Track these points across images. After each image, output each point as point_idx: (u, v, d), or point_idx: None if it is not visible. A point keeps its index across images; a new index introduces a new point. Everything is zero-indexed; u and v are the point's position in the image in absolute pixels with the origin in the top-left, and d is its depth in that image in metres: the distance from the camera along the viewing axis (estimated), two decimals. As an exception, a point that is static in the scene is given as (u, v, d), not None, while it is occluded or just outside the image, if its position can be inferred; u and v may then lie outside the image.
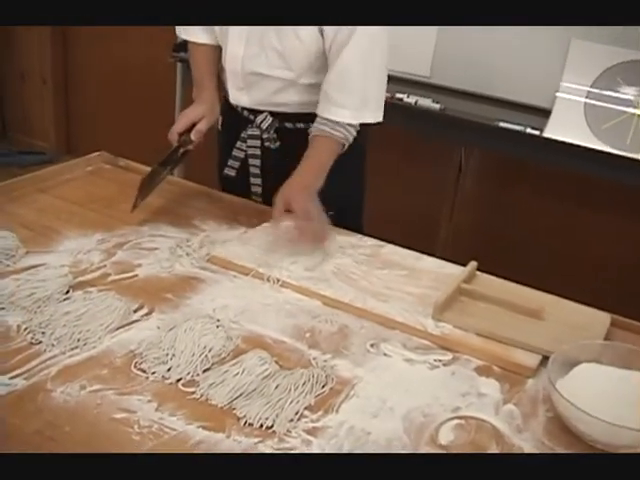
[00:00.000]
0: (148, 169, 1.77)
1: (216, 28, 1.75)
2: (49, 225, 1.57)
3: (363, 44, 1.61)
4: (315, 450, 1.00)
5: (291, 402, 1.08)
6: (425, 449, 1.03)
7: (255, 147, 1.83)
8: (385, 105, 1.68)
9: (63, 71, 4.20)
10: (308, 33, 1.62)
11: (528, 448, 1.05)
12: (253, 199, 1.87)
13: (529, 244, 2.75)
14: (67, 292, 1.31)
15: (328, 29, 1.60)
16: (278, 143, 1.82)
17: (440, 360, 1.24)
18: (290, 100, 1.76)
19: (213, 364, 1.15)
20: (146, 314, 1.28)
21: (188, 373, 1.12)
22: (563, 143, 2.22)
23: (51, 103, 4.18)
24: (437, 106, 2.48)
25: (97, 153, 1.98)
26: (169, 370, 1.12)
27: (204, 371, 1.14)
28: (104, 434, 0.99)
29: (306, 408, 1.08)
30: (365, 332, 1.30)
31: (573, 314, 1.39)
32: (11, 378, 1.07)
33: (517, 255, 2.71)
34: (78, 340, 1.17)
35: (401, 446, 1.03)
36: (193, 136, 1.70)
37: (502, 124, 2.33)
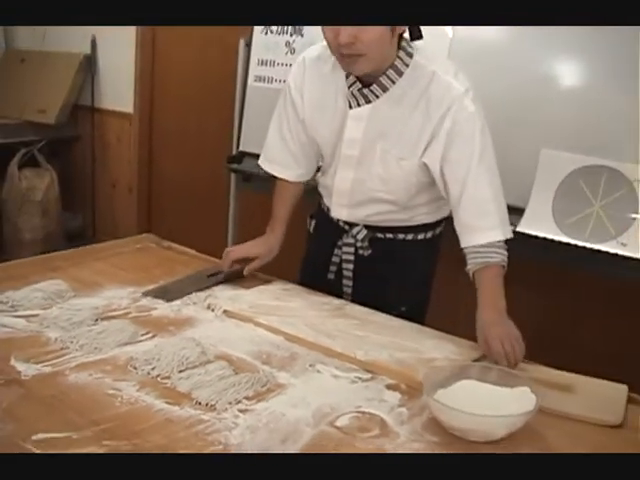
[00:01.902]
0: (188, 250, 2.26)
1: (326, 152, 2.04)
2: (95, 280, 2.05)
3: (483, 172, 1.81)
4: (240, 422, 1.40)
5: (233, 392, 1.49)
6: (324, 428, 1.41)
7: (349, 254, 2.09)
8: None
9: (147, 182, 4.83)
10: (408, 164, 1.87)
11: (404, 434, 1.40)
12: (344, 298, 2.10)
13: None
14: (96, 320, 1.78)
15: (446, 172, 1.85)
16: (370, 251, 2.08)
17: (360, 377, 1.60)
18: (387, 218, 2.03)
19: (187, 368, 1.57)
20: (150, 337, 1.73)
21: (166, 371, 1.56)
22: (535, 237, 2.57)
23: (135, 209, 4.79)
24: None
25: (145, 234, 2.50)
26: (153, 369, 1.56)
27: (179, 372, 1.56)
28: (97, 401, 1.42)
29: (245, 398, 1.49)
30: (309, 358, 1.68)
31: (597, 387, 1.65)
32: (41, 366, 1.54)
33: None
34: (95, 348, 1.63)
35: (305, 424, 1.41)
36: (245, 272, 2.12)
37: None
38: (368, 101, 1.87)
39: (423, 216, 2.07)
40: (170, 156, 4.71)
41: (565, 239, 2.53)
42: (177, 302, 1.94)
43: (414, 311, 2.06)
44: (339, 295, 2.10)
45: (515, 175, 2.52)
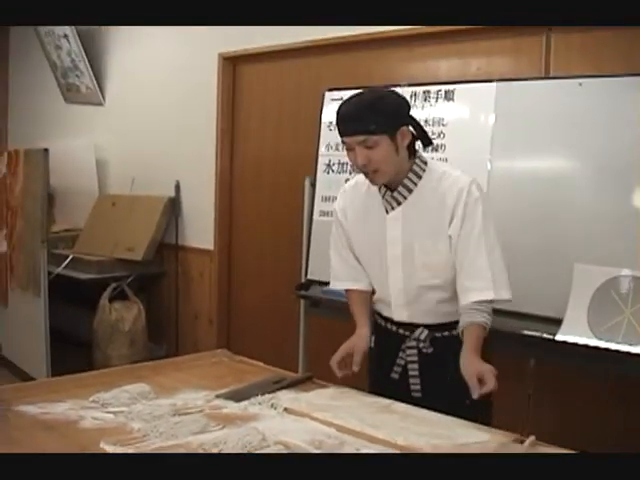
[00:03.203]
0: (257, 363, 2.55)
1: (374, 262, 2.42)
2: (175, 386, 2.34)
3: (483, 246, 2.20)
4: None
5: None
6: None
7: (413, 355, 2.37)
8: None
9: (227, 313, 5.18)
10: (441, 246, 2.26)
11: None
12: (413, 395, 2.35)
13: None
14: (173, 415, 2.06)
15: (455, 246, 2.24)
16: (431, 349, 2.36)
17: None
18: (443, 310, 2.33)
19: (249, 450, 1.81)
20: (220, 428, 1.97)
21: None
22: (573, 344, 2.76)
23: (215, 338, 5.13)
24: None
25: (220, 350, 2.80)
26: (220, 450, 1.82)
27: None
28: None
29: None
30: (356, 444, 1.88)
31: None
32: (125, 448, 1.81)
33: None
34: (172, 435, 1.90)
35: None
36: (355, 368, 2.36)
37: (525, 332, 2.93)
38: (399, 203, 2.31)
39: None
40: (247, 287, 5.09)
41: (600, 344, 2.72)
42: (245, 402, 2.21)
43: (479, 403, 2.23)
44: (406, 393, 2.34)
45: (552, 288, 2.82)
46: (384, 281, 2.40)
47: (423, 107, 3.50)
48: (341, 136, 2.24)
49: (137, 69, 5.70)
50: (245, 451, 1.81)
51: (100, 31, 5.91)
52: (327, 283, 3.61)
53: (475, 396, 2.09)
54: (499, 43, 3.66)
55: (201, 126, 5.16)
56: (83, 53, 5.79)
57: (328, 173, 3.84)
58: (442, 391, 2.30)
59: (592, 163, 2.90)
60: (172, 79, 5.39)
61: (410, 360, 2.38)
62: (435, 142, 3.40)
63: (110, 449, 1.80)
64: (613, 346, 2.68)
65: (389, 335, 2.45)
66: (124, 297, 5.15)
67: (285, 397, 2.26)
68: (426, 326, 2.36)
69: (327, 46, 4.34)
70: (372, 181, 2.28)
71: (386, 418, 2.10)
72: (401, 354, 2.39)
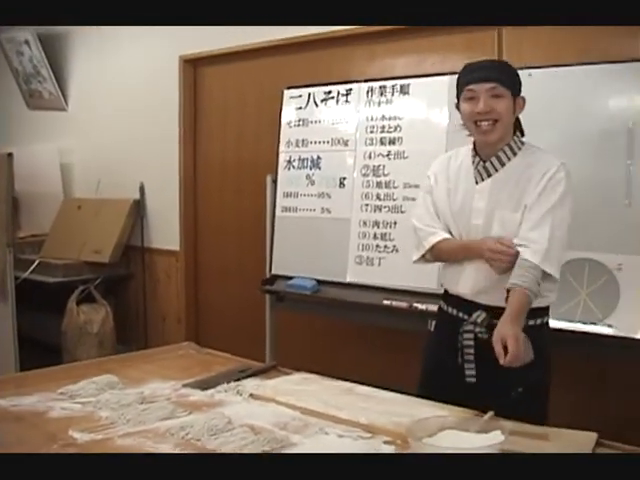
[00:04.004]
0: (224, 354, 2.61)
1: (457, 228, 2.43)
2: (143, 377, 2.38)
3: (550, 221, 2.24)
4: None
5: (252, 447, 1.80)
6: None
7: (469, 339, 2.36)
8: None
9: (194, 312, 5.22)
10: (517, 217, 2.29)
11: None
12: (467, 381, 2.36)
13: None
14: (141, 403, 2.11)
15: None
16: (487, 335, 2.29)
17: (361, 436, 1.87)
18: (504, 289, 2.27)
19: (215, 432, 1.86)
20: (187, 414, 2.02)
21: (198, 436, 1.85)
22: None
23: (183, 339, 5.12)
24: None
25: (187, 342, 2.86)
26: (187, 434, 1.86)
27: (209, 435, 1.86)
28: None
29: (262, 452, 1.80)
30: (320, 424, 1.94)
31: (569, 435, 1.88)
32: (94, 435, 1.86)
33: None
34: (139, 422, 1.95)
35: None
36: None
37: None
38: (489, 175, 2.36)
39: None
40: (214, 286, 5.14)
41: (559, 325, 2.81)
42: (211, 390, 2.26)
43: (532, 392, 2.33)
44: (462, 378, 2.37)
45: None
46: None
47: (379, 103, 3.58)
48: (467, 85, 2.30)
49: (99, 74, 5.72)
50: (211, 434, 1.87)
51: (61, 37, 5.92)
52: (291, 277, 3.72)
53: (502, 362, 2.12)
54: (453, 39, 3.75)
55: (164, 128, 5.20)
56: (45, 59, 5.80)
57: (289, 170, 3.91)
58: (495, 379, 2.31)
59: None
60: (134, 83, 5.43)
61: (466, 345, 2.38)
62: (392, 135, 3.49)
63: (78, 436, 1.85)
64: (571, 326, 2.77)
65: (449, 319, 2.48)
66: (92, 300, 5.18)
67: (250, 384, 2.32)
68: (485, 309, 2.36)
69: (286, 46, 4.41)
70: (486, 134, 2.31)
71: (348, 400, 2.17)
72: (459, 337, 2.39)
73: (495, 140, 2.32)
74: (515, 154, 2.36)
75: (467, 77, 2.32)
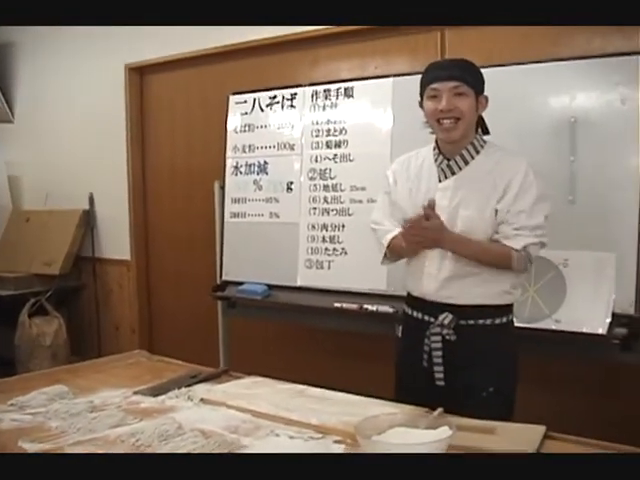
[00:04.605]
0: (175, 361, 2.61)
1: None
2: (94, 386, 2.37)
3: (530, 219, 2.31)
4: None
5: (203, 451, 1.82)
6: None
7: (437, 342, 2.37)
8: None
9: (148, 321, 5.21)
10: (490, 216, 2.31)
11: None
12: (437, 384, 2.38)
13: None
14: (91, 412, 2.11)
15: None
16: (455, 337, 2.35)
17: (312, 437, 1.89)
18: (471, 289, 2.36)
19: (166, 438, 1.86)
20: (137, 421, 2.02)
21: (148, 442, 1.86)
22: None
23: (137, 347, 5.11)
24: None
25: (137, 351, 2.86)
26: (137, 440, 1.86)
27: (159, 441, 1.87)
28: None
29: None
30: (271, 426, 1.96)
31: (518, 428, 1.92)
32: (43, 445, 1.85)
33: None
34: (89, 430, 1.95)
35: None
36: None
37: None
38: (453, 173, 2.38)
39: (496, 293, 2.40)
40: (166, 294, 5.14)
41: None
42: (162, 397, 2.27)
43: (502, 392, 2.37)
44: (432, 380, 2.39)
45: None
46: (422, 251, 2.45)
47: (324, 107, 3.62)
48: (430, 83, 2.33)
49: (45, 85, 5.67)
50: (162, 439, 1.88)
51: (6, 48, 5.86)
52: (241, 283, 3.73)
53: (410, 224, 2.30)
54: (396, 42, 3.80)
55: (112, 138, 5.18)
56: (-11, 71, 5.74)
57: (236, 175, 3.93)
58: (464, 381, 2.37)
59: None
60: (80, 93, 5.40)
61: (434, 347, 2.39)
62: (338, 138, 3.53)
63: (28, 446, 1.84)
64: (520, 324, 2.78)
65: (415, 323, 2.48)
66: (44, 312, 5.14)
67: (201, 389, 2.33)
68: (452, 311, 2.37)
69: (231, 52, 4.43)
70: (448, 132, 2.33)
71: (300, 402, 2.19)
72: (426, 341, 2.40)
73: (457, 138, 2.35)
74: (478, 152, 2.38)
75: (430, 76, 2.35)
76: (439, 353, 2.39)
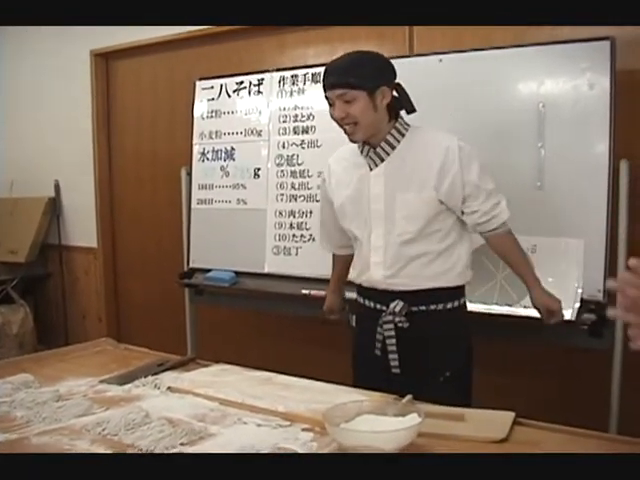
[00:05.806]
0: (142, 349, 2.59)
1: (359, 221, 2.48)
2: (59, 375, 2.34)
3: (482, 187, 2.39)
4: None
5: (170, 440, 1.80)
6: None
7: (390, 329, 2.41)
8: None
9: (115, 309, 5.17)
10: (429, 196, 2.35)
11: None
12: (393, 372, 2.43)
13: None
14: (57, 401, 2.09)
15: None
16: (408, 324, 2.39)
17: (280, 425, 1.88)
18: (419, 272, 2.40)
19: (132, 427, 1.85)
20: (103, 410, 2.01)
21: (115, 431, 1.84)
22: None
23: (105, 336, 5.09)
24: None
25: (103, 339, 2.83)
26: (104, 429, 1.84)
27: (126, 430, 1.86)
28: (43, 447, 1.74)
29: (180, 444, 1.79)
30: (238, 414, 1.96)
31: (487, 415, 1.92)
32: (8, 435, 1.84)
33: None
34: (55, 420, 1.93)
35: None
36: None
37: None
38: (382, 159, 2.40)
39: (445, 273, 2.43)
40: (134, 282, 5.10)
41: (476, 307, 2.89)
42: (129, 385, 2.25)
43: (459, 375, 2.41)
44: (388, 369, 2.43)
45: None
46: (366, 240, 2.46)
47: (292, 92, 3.60)
48: (324, 91, 2.34)
49: (10, 72, 5.60)
50: (128, 428, 1.86)
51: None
52: (209, 270, 3.72)
53: (551, 321, 2.43)
54: (364, 28, 3.79)
55: (77, 124, 5.13)
56: (-49, 57, 5.64)
57: (203, 161, 3.91)
58: (420, 366, 2.39)
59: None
60: (46, 79, 5.33)
61: (387, 335, 2.41)
62: (305, 124, 3.51)
63: (-7, 437, 1.82)
64: (488, 309, 2.85)
65: (368, 312, 2.50)
66: (10, 300, 5.09)
67: (168, 377, 2.32)
68: (402, 298, 2.40)
69: (198, 37, 4.40)
70: (350, 135, 2.36)
71: (267, 389, 2.18)
72: (379, 329, 2.42)
73: (362, 138, 2.38)
74: (403, 135, 2.39)
75: (323, 82, 2.36)
76: (393, 341, 2.41)
